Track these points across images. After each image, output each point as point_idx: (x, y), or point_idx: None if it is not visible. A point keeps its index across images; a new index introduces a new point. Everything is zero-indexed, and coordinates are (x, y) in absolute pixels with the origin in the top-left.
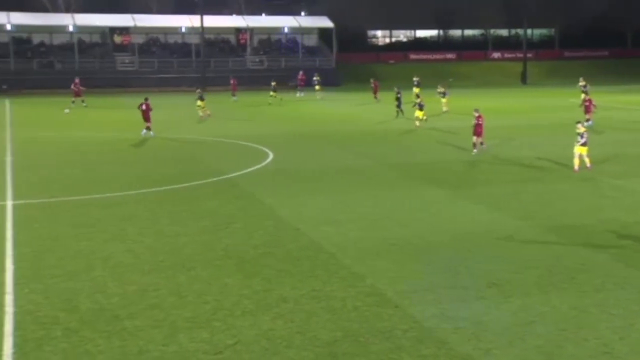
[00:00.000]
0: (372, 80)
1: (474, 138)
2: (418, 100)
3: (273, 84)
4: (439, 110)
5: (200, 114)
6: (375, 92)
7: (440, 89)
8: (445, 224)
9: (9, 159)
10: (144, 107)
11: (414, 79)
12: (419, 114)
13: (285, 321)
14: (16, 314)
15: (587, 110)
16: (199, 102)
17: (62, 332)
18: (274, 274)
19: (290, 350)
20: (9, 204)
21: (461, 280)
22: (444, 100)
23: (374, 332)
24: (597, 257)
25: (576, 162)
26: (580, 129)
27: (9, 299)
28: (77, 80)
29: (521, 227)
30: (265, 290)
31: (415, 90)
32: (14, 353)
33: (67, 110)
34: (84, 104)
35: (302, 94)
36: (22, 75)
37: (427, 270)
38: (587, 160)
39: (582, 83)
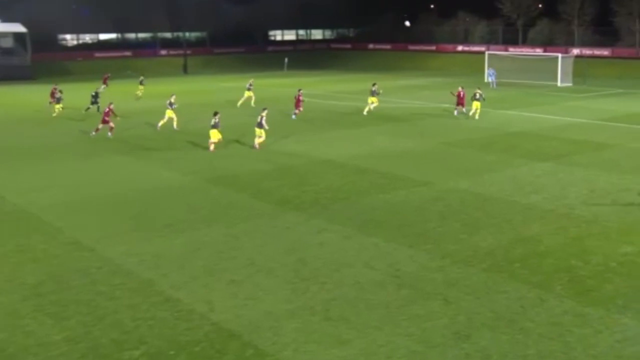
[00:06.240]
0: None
1: (296, 110)
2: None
3: None
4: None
5: None
6: None
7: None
8: (131, 182)
9: None
10: None
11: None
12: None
13: None
14: None
15: (297, 105)
16: None
17: None
18: None
19: (1, 297)
20: None
21: (143, 224)
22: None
23: (73, 272)
24: (242, 197)
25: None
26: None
27: None
28: None
29: (189, 180)
30: None
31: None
32: None
33: None
34: None
35: None
36: None
37: (116, 219)
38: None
39: (250, 81)
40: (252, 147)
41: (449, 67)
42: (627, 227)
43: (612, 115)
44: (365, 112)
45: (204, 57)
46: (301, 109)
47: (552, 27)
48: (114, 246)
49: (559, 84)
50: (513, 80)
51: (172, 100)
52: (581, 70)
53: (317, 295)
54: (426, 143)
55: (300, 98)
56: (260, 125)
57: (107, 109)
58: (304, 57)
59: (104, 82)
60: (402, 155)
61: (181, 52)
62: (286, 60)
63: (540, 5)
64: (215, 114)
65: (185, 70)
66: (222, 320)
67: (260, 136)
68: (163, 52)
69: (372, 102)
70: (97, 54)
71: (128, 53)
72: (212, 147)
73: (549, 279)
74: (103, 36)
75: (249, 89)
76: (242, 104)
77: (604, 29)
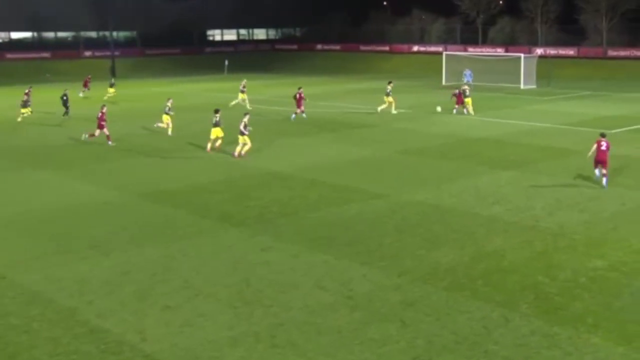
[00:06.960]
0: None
1: (297, 110)
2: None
3: None
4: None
5: None
6: None
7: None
8: (50, 200)
9: None
10: None
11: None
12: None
13: None
14: None
15: (299, 104)
16: None
17: None
18: None
19: None
20: None
21: (65, 246)
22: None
23: None
24: (178, 213)
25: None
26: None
27: None
28: None
29: (116, 195)
30: None
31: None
32: None
33: None
34: None
35: None
36: None
37: (33, 242)
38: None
39: (243, 82)
40: (232, 155)
41: (404, 69)
42: (596, 239)
43: (579, 119)
44: (394, 112)
45: (134, 59)
46: (303, 108)
47: (514, 25)
48: (29, 272)
49: (521, 86)
50: (473, 82)
51: (169, 105)
52: (545, 71)
53: (262, 320)
54: (380, 151)
55: (302, 97)
56: (243, 132)
57: (101, 114)
58: (246, 59)
59: (85, 86)
60: (355, 166)
61: (108, 53)
62: (226, 62)
63: (501, 2)
64: (216, 111)
65: (113, 73)
66: (156, 351)
67: (245, 143)
68: (87, 53)
69: (391, 103)
70: (9, 55)
71: (46, 54)
72: (209, 145)
73: (514, 297)
74: (15, 35)
75: (242, 91)
76: (248, 104)
77: (569, 27)
